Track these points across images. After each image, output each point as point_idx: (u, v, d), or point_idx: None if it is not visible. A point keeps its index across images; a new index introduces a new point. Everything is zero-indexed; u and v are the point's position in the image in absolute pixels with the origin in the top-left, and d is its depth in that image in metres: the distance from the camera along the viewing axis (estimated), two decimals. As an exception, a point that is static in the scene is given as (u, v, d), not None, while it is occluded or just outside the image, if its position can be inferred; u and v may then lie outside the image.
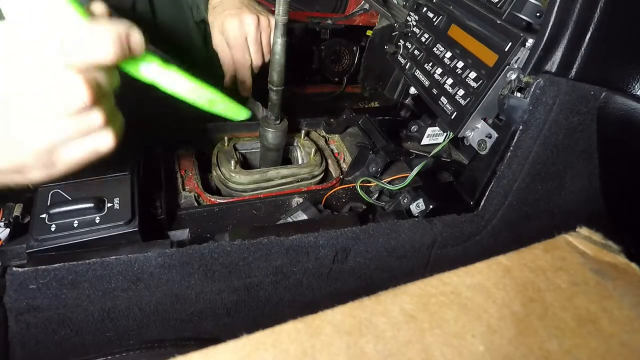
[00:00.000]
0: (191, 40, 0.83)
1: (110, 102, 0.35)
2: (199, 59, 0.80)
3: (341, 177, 0.72)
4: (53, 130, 0.32)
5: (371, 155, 0.69)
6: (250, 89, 0.74)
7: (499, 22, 0.54)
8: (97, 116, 0.33)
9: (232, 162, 0.65)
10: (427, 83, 0.66)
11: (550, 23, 0.48)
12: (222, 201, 0.62)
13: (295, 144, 0.78)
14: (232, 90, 0.74)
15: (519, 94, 0.51)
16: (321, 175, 0.71)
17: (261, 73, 0.72)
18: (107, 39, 0.31)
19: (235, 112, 0.46)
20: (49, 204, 0.44)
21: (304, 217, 0.57)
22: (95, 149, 0.35)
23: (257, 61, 0.72)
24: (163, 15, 0.76)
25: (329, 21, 1.05)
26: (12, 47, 0.30)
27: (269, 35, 0.72)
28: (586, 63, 0.50)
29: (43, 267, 0.37)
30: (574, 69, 0.50)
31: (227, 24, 0.69)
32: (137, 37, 0.33)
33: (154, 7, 0.73)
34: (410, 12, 0.73)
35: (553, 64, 0.50)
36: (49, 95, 0.31)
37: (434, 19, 0.67)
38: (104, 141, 0.35)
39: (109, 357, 0.41)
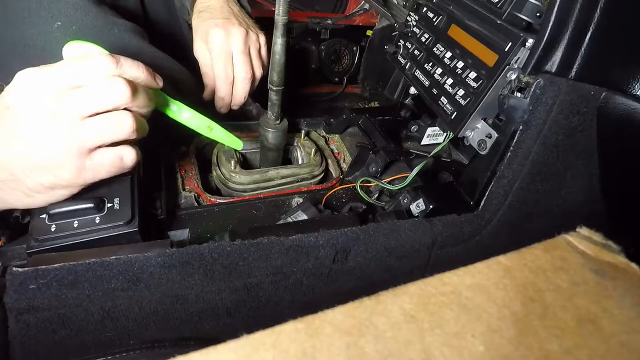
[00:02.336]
0: (186, 44, 0.82)
1: (140, 121, 0.43)
2: (196, 62, 0.78)
3: (341, 177, 0.72)
4: (93, 126, 0.39)
5: (371, 155, 0.69)
6: (228, 106, 0.69)
7: (499, 22, 0.54)
8: (129, 120, 0.41)
9: (232, 162, 0.65)
10: (427, 83, 0.66)
11: (550, 23, 0.48)
12: (222, 201, 0.62)
13: (295, 144, 0.78)
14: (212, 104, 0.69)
15: (519, 94, 0.51)
16: (321, 175, 0.71)
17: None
18: (142, 66, 0.42)
19: (231, 141, 0.58)
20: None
21: (304, 217, 0.57)
22: (121, 157, 0.42)
23: (246, 75, 0.66)
24: (156, 15, 0.75)
25: (329, 21, 1.05)
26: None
27: (258, 50, 0.67)
28: (586, 63, 0.50)
29: (43, 267, 0.37)
30: (574, 69, 0.50)
31: (212, 34, 0.63)
32: (159, 75, 0.45)
33: (145, 9, 0.73)
34: (410, 12, 0.73)
35: (553, 64, 0.50)
36: (98, 91, 0.39)
37: (434, 19, 0.67)
38: (129, 153, 0.43)
39: (109, 357, 0.41)
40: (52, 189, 0.41)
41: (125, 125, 0.41)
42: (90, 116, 0.40)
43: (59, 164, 0.39)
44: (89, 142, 0.39)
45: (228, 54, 0.64)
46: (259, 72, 0.68)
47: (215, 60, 0.64)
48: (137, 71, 0.42)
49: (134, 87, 0.41)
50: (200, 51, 0.66)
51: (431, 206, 0.56)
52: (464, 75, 0.58)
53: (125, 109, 0.41)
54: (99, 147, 0.41)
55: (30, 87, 0.38)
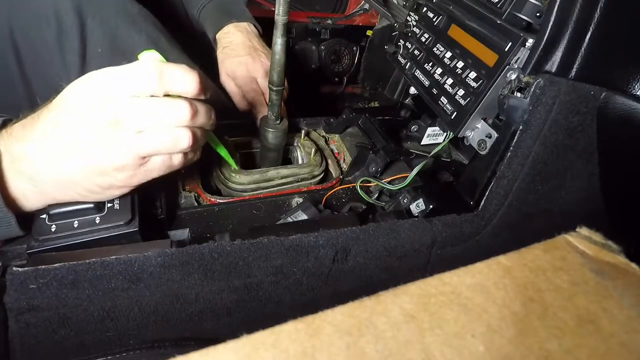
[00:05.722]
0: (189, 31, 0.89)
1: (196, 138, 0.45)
2: (196, 49, 0.83)
3: (341, 177, 0.72)
4: (153, 139, 0.40)
5: (371, 155, 0.69)
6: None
7: (499, 22, 0.54)
8: (186, 137, 0.42)
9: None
10: (427, 83, 0.66)
11: (550, 23, 0.48)
12: (222, 201, 0.62)
13: (295, 144, 0.78)
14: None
15: (519, 94, 0.51)
16: (321, 175, 0.71)
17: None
18: (213, 115, 0.46)
19: (230, 161, 0.62)
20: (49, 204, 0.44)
21: (304, 217, 0.57)
22: (170, 158, 0.44)
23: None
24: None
25: (329, 21, 1.05)
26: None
27: None
28: (586, 63, 0.50)
29: (43, 267, 0.37)
30: (574, 69, 0.50)
31: (237, 71, 0.75)
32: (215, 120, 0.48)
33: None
34: (410, 12, 0.73)
35: (553, 64, 0.50)
36: (164, 110, 0.40)
37: (434, 19, 0.67)
38: (177, 156, 0.44)
39: (109, 357, 0.41)
40: (108, 189, 0.43)
41: (182, 143, 0.42)
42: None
43: (118, 168, 0.41)
44: (146, 152, 0.41)
45: (252, 79, 0.75)
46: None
47: (243, 87, 0.75)
48: (208, 120, 0.45)
49: (195, 132, 0.44)
50: (228, 85, 0.78)
51: (431, 206, 0.56)
52: (464, 75, 0.58)
53: None
54: None
55: (89, 93, 0.39)
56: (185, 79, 0.41)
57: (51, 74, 0.62)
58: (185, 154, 0.45)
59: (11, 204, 0.41)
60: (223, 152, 0.60)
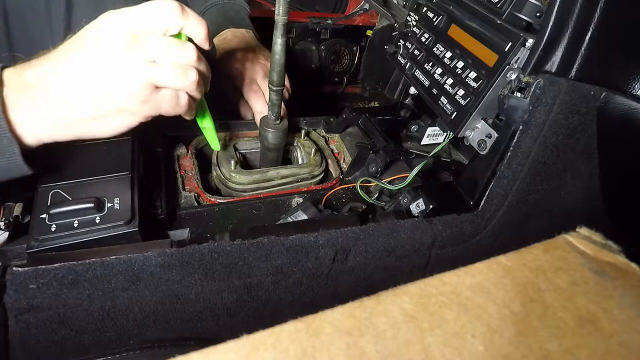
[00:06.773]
0: None
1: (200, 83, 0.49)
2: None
3: (341, 177, 0.72)
4: (166, 69, 0.44)
5: (371, 155, 0.69)
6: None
7: (499, 22, 0.54)
8: (194, 74, 0.47)
9: (232, 162, 0.65)
10: (427, 83, 0.66)
11: (550, 23, 0.48)
12: (222, 201, 0.62)
13: (295, 144, 0.78)
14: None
15: (519, 94, 0.51)
16: (321, 175, 0.71)
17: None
18: (204, 23, 0.48)
19: (213, 140, 0.63)
20: (49, 204, 0.44)
21: (304, 217, 0.57)
22: (178, 96, 0.47)
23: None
24: None
25: (329, 21, 1.05)
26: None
27: None
28: (586, 63, 0.50)
29: (43, 267, 0.37)
30: (574, 69, 0.50)
31: (235, 74, 0.76)
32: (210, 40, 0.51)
33: None
34: (410, 12, 0.73)
35: (553, 64, 0.50)
36: (176, 47, 0.45)
37: (434, 19, 0.67)
38: (183, 96, 0.48)
39: (109, 357, 0.41)
40: (120, 112, 0.45)
41: (190, 78, 0.47)
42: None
43: (130, 91, 0.43)
44: (158, 81, 0.44)
45: (251, 81, 0.75)
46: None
47: (243, 89, 0.75)
48: (199, 26, 0.47)
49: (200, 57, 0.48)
50: (228, 88, 0.78)
51: (431, 206, 0.56)
52: (464, 75, 0.58)
53: None
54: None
55: (112, 24, 0.43)
56: (199, 20, 0.47)
57: (37, 38, 0.63)
58: (189, 98, 0.49)
59: (16, 134, 0.41)
60: (209, 127, 0.61)
